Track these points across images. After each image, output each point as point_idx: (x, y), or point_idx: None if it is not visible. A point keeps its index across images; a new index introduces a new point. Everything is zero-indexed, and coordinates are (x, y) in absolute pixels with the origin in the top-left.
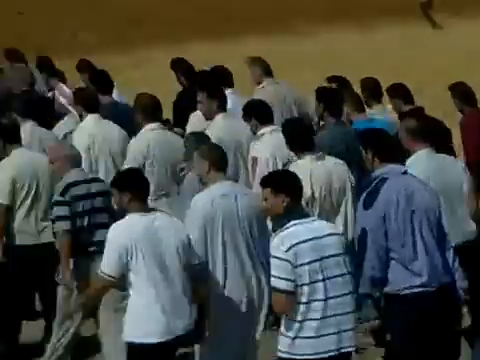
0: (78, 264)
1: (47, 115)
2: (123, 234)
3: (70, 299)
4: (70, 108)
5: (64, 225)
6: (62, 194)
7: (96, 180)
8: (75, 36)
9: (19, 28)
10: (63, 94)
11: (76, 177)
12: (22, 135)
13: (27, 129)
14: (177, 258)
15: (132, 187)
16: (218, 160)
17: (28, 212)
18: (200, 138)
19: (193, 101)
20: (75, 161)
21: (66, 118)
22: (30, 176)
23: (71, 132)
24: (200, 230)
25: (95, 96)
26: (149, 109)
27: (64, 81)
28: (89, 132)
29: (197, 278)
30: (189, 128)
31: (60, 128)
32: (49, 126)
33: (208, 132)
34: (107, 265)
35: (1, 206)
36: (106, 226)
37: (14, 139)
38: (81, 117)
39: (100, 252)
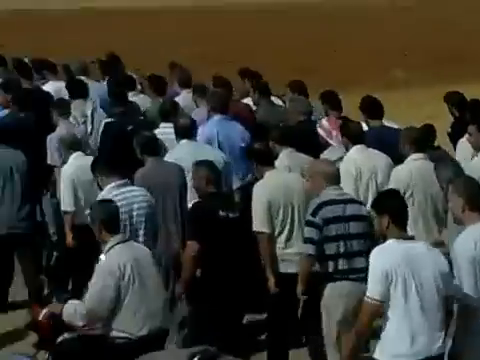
0: (334, 289)
1: (307, 144)
2: (384, 259)
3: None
4: (328, 140)
5: (309, 249)
6: (313, 214)
7: (353, 201)
8: (388, 72)
9: (338, 63)
10: (322, 126)
11: (332, 196)
12: (279, 161)
13: (285, 155)
14: (434, 287)
15: (391, 210)
16: (473, 198)
17: (288, 238)
18: (455, 169)
19: (464, 131)
20: (333, 179)
21: (330, 148)
22: (285, 199)
23: (340, 159)
24: (467, 273)
25: (360, 128)
26: (417, 141)
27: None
28: (355, 162)
29: (452, 309)
30: (458, 154)
31: (329, 155)
32: (315, 155)
33: (475, 160)
34: (374, 289)
35: (263, 235)
36: (364, 253)
37: (267, 162)
38: (346, 148)
39: (359, 280)
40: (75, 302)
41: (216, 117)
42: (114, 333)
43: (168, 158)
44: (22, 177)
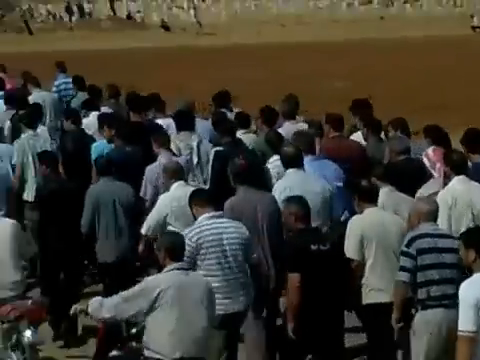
0: (426, 316)
1: (408, 182)
2: (474, 291)
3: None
4: (432, 171)
5: (403, 276)
6: (408, 245)
7: (446, 236)
8: None
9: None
10: (427, 156)
11: (424, 230)
12: (380, 198)
13: (384, 193)
14: None
15: (478, 245)
16: None
17: (382, 271)
18: None
19: None
20: (428, 216)
21: (430, 181)
22: (378, 236)
23: (436, 194)
24: None
25: (463, 158)
26: None
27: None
28: (454, 192)
29: None
30: None
31: (426, 188)
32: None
33: None
34: (467, 321)
35: (353, 262)
36: (456, 281)
37: (369, 199)
38: (449, 178)
39: (450, 306)
40: (99, 298)
41: (307, 158)
42: (150, 353)
43: (276, 188)
44: (126, 209)
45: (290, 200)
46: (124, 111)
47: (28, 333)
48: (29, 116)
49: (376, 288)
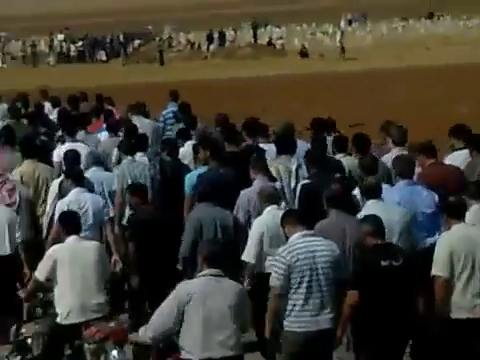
0: None
1: None
2: None
3: None
4: None
5: None
6: None
7: None
8: None
9: None
10: None
11: None
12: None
13: (473, 210)
14: None
15: None
16: None
17: (465, 286)
18: None
19: None
20: None
21: None
22: (466, 250)
23: None
24: None
25: None
26: None
27: None
28: None
29: None
30: None
31: None
32: None
33: None
34: None
35: (439, 278)
36: None
37: (457, 215)
38: None
39: None
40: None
41: (401, 182)
42: (184, 354)
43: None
44: (226, 232)
45: (363, 219)
46: (216, 136)
47: (115, 353)
48: (127, 143)
49: (456, 304)
